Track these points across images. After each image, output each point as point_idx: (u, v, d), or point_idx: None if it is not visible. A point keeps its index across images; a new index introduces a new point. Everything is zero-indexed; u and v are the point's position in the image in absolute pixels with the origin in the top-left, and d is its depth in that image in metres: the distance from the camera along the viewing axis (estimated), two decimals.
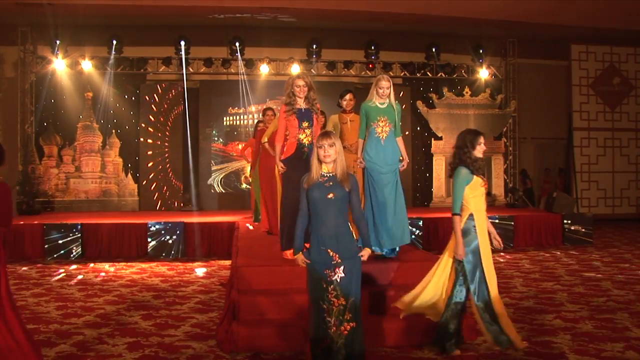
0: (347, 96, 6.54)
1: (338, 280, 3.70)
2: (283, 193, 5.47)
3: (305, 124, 5.29)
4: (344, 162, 3.82)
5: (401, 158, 5.67)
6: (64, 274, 7.97)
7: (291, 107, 5.30)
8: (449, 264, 4.57)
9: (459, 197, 4.43)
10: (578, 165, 13.75)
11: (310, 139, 5.27)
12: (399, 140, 5.64)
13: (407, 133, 13.07)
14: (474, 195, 4.44)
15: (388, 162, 5.53)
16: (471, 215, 4.45)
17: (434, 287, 4.58)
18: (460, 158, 4.48)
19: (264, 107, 8.60)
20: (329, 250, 3.70)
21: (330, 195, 3.70)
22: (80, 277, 7.80)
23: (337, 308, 3.70)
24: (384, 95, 5.47)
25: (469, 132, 4.63)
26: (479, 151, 4.49)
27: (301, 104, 5.33)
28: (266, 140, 6.89)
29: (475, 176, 4.43)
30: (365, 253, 3.82)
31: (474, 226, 4.46)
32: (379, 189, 5.49)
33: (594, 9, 11.25)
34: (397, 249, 5.64)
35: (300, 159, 5.22)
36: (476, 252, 4.47)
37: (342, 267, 3.70)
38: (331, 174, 3.78)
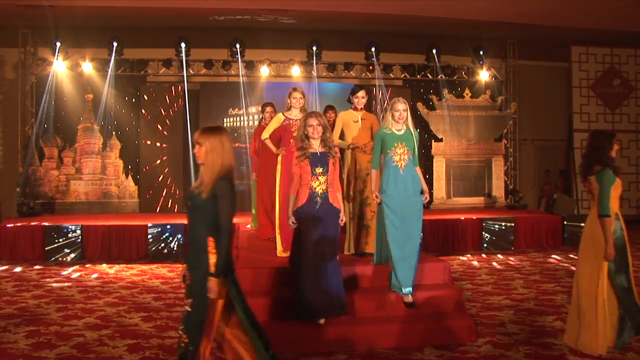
0: (360, 93, 6.12)
1: None
2: (303, 252, 4.77)
3: (318, 170, 4.76)
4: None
5: (422, 189, 5.21)
6: (64, 276, 7.97)
7: (304, 151, 4.81)
8: (599, 271, 4.43)
9: (607, 198, 4.41)
10: (578, 166, 13.71)
11: (324, 188, 4.76)
12: (418, 170, 5.23)
13: None
14: (614, 196, 4.46)
15: (409, 193, 5.10)
16: (617, 215, 4.47)
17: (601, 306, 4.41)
18: (599, 159, 4.48)
19: (263, 103, 8.16)
20: None
21: None
22: (80, 279, 7.79)
23: None
24: (400, 119, 5.10)
25: (602, 133, 4.63)
26: (614, 151, 4.47)
27: (316, 146, 4.83)
28: (267, 136, 6.48)
29: (617, 177, 4.44)
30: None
31: (621, 227, 4.47)
32: (402, 223, 5.04)
33: (594, 10, 11.25)
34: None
35: (312, 211, 4.72)
36: (624, 253, 4.49)
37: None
38: None
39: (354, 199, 5.97)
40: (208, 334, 3.26)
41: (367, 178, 5.84)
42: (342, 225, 4.86)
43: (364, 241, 5.96)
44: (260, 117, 8.08)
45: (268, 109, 7.71)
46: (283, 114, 6.16)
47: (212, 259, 3.20)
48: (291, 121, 6.12)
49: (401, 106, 5.11)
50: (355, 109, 6.13)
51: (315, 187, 4.75)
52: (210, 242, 3.22)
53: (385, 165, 5.17)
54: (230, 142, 3.38)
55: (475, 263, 9.01)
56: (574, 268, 8.36)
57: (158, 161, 12.30)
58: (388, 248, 5.11)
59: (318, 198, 4.73)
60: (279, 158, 6.22)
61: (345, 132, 6.13)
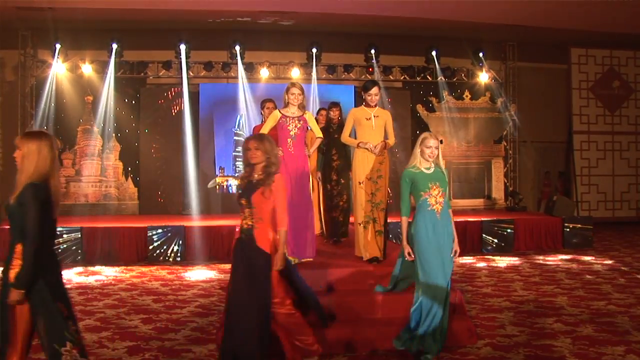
0: (373, 90, 5.74)
1: None
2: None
3: (243, 202, 4.06)
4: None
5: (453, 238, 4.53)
6: (64, 278, 7.94)
7: (240, 180, 4.25)
8: None
9: None
10: (578, 168, 13.76)
11: (249, 223, 4.01)
12: (451, 214, 4.54)
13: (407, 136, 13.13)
14: None
15: (446, 244, 4.43)
16: None
17: None
18: None
19: (262, 99, 7.37)
20: None
21: None
22: (80, 280, 7.79)
23: None
24: (432, 156, 4.44)
25: None
26: None
27: (256, 174, 4.10)
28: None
29: None
30: None
31: None
32: (438, 277, 4.37)
33: (593, 12, 11.27)
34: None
35: (236, 251, 4.07)
36: None
37: None
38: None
39: (365, 203, 5.66)
40: (13, 343, 3.11)
41: (379, 180, 5.67)
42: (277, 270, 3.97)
43: (376, 247, 5.66)
44: (261, 114, 7.37)
45: (268, 104, 7.05)
46: (280, 111, 5.67)
47: (17, 267, 3.09)
48: (288, 119, 5.60)
49: (433, 142, 4.43)
50: (368, 105, 5.81)
51: (242, 223, 4.05)
52: (18, 249, 3.12)
53: (419, 211, 4.48)
54: (52, 148, 3.23)
55: (475, 265, 9.00)
56: (575, 271, 8.37)
57: (158, 163, 12.30)
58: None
59: (243, 235, 4.01)
60: None
61: (356, 130, 5.87)
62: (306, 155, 5.79)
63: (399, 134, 13.03)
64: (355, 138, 5.86)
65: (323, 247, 6.58)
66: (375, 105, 5.82)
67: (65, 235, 9.17)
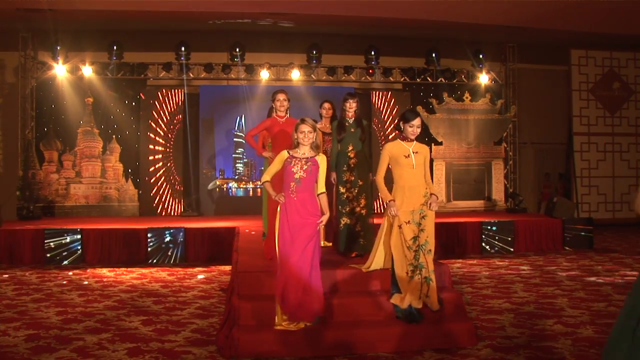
0: (416, 121, 5.00)
1: None
2: None
3: None
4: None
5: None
6: (64, 280, 7.96)
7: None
8: None
9: None
10: (578, 170, 13.76)
11: None
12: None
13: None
14: None
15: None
16: None
17: None
18: None
19: (274, 91, 6.39)
20: None
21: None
22: (80, 282, 7.78)
23: None
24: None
25: None
26: None
27: None
28: (267, 179, 5.23)
29: None
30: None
31: None
32: None
33: (593, 13, 11.28)
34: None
35: None
36: None
37: None
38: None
39: (407, 250, 4.90)
40: None
41: (423, 221, 4.93)
42: None
43: (417, 295, 4.92)
44: (270, 107, 6.51)
45: (280, 96, 6.22)
46: (288, 152, 4.89)
47: None
48: (294, 159, 4.81)
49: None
50: (406, 139, 5.05)
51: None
52: None
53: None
54: None
55: (476, 266, 9.00)
56: (575, 272, 8.37)
57: (158, 164, 12.31)
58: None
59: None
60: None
61: (393, 171, 5.00)
62: (316, 201, 4.85)
63: (399, 136, 13.04)
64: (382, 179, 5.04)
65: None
66: (414, 139, 5.07)
67: (65, 237, 9.17)
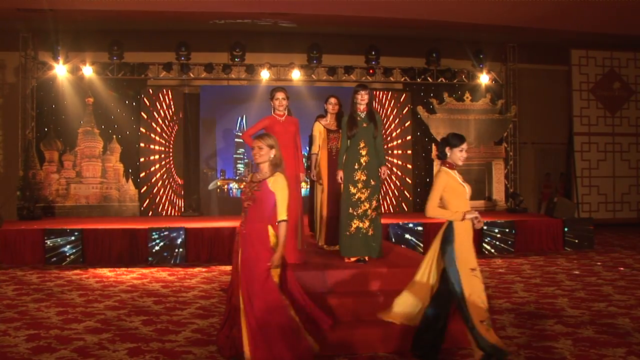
0: (464, 145, 4.55)
1: None
2: None
3: None
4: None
5: None
6: (65, 280, 7.96)
7: None
8: None
9: None
10: (579, 170, 13.75)
11: None
12: None
13: (408, 138, 13.12)
14: None
15: None
16: None
17: None
18: None
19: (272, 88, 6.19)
20: None
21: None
22: (80, 282, 7.79)
23: None
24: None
25: None
26: None
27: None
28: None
29: None
30: None
31: None
32: None
33: (594, 14, 11.28)
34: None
35: None
36: None
37: None
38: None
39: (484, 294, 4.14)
40: None
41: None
42: None
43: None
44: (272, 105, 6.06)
45: (279, 95, 5.89)
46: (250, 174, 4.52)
47: None
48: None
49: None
50: (453, 166, 4.51)
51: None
52: None
53: None
54: None
55: None
56: (575, 272, 8.37)
57: (159, 164, 12.32)
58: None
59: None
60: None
61: (450, 203, 4.31)
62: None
63: (400, 136, 13.06)
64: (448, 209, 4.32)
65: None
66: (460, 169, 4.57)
67: (66, 237, 9.18)
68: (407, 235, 9.83)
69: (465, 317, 4.00)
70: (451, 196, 4.31)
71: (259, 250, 4.02)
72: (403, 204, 13.06)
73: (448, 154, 4.49)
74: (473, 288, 4.00)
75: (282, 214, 4.01)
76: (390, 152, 12.97)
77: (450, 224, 4.19)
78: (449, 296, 4.08)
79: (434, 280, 4.19)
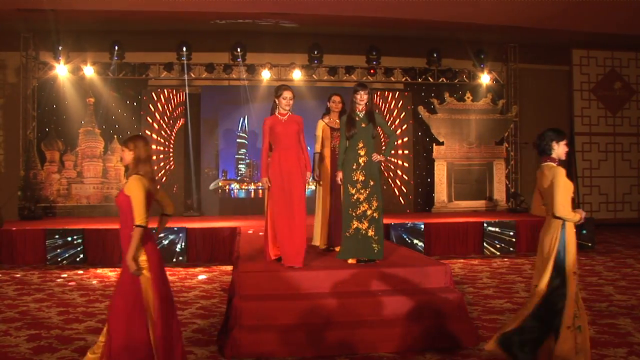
0: (565, 139, 4.40)
1: None
2: None
3: None
4: None
5: None
6: (66, 280, 7.97)
7: None
8: None
9: None
10: (580, 170, 13.75)
11: None
12: None
13: (408, 138, 13.11)
14: None
15: None
16: None
17: None
18: None
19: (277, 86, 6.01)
20: None
21: None
22: (81, 282, 7.79)
23: None
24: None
25: None
26: None
27: None
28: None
29: None
30: None
31: None
32: None
33: (595, 13, 11.27)
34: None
35: None
36: None
37: None
38: None
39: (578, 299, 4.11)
40: None
41: None
42: None
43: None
44: (273, 102, 5.85)
45: (287, 94, 5.70)
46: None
47: None
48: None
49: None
50: (556, 161, 4.46)
51: None
52: None
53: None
54: None
55: (477, 266, 9.00)
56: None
57: (160, 165, 12.32)
58: None
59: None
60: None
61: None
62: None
63: (400, 136, 13.05)
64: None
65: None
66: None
67: (66, 237, 9.18)
68: (407, 235, 9.83)
69: (557, 321, 3.87)
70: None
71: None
72: (403, 204, 13.04)
73: (555, 148, 4.26)
74: (572, 293, 3.89)
75: (136, 218, 3.71)
76: (390, 152, 12.95)
77: (565, 225, 3.97)
78: (555, 302, 3.89)
79: (544, 285, 3.95)
